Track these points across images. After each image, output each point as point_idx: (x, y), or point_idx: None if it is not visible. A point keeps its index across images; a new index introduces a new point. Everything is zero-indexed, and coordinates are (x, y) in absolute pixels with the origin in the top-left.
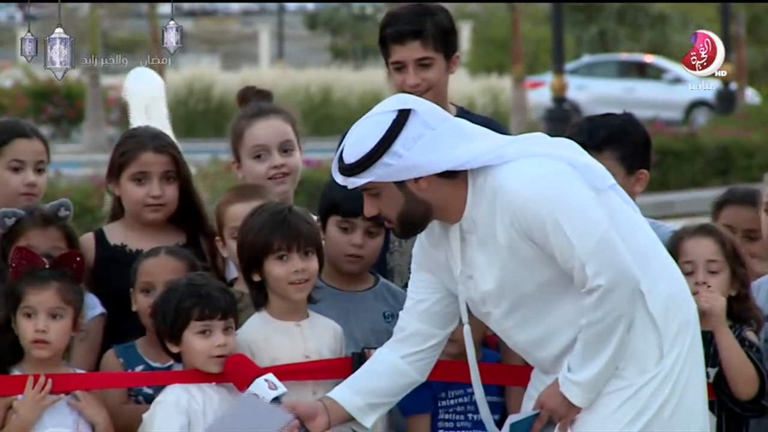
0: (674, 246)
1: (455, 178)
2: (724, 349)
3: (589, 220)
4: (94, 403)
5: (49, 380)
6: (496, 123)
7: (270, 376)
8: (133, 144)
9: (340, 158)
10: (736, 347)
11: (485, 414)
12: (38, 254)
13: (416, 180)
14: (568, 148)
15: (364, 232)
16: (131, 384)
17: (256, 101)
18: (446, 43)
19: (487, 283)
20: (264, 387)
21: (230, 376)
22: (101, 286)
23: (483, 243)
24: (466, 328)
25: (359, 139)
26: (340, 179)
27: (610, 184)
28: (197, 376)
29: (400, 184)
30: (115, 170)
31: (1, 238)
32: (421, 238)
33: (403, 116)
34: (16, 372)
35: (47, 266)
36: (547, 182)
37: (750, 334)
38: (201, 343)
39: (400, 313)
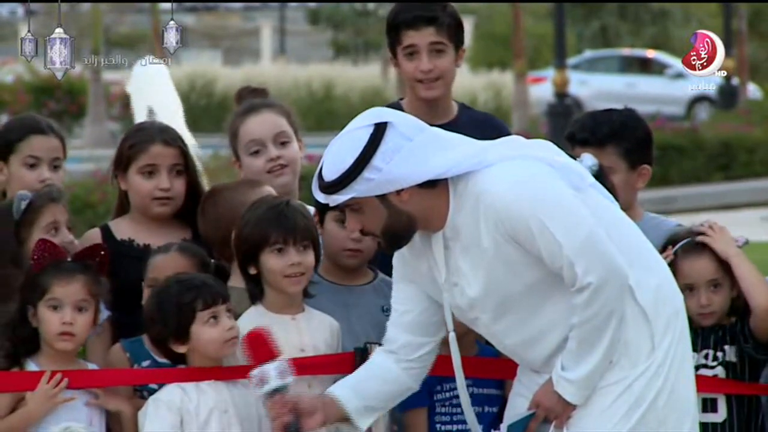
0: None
1: (436, 187)
2: (743, 275)
3: (574, 218)
4: (111, 394)
5: (65, 379)
6: (496, 119)
7: (282, 364)
8: (142, 136)
9: (320, 176)
10: (753, 268)
11: (471, 420)
12: (60, 246)
13: (398, 192)
14: (546, 149)
15: None
16: (141, 381)
17: (251, 99)
18: (457, 34)
19: (473, 289)
20: (271, 372)
21: (246, 349)
22: (109, 282)
23: (466, 249)
24: (452, 336)
25: (338, 156)
26: (321, 197)
27: (590, 182)
28: (204, 373)
29: (382, 198)
30: (122, 163)
31: (15, 224)
32: (402, 250)
33: (380, 130)
34: (31, 365)
35: (69, 258)
36: (529, 184)
37: None
38: (211, 331)
39: (388, 324)
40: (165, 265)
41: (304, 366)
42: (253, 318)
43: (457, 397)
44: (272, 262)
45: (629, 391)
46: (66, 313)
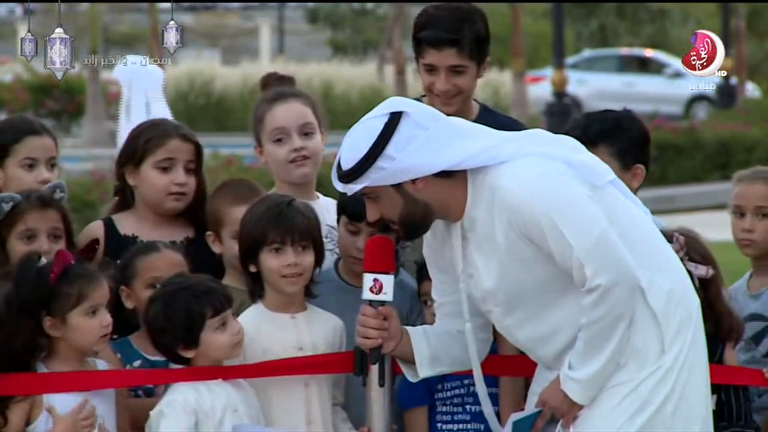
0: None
1: (453, 177)
2: None
3: (586, 219)
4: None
5: (94, 406)
6: (519, 124)
7: (383, 277)
8: (159, 131)
9: (338, 165)
10: None
11: (488, 411)
12: (69, 253)
13: (413, 181)
14: (565, 145)
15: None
16: (149, 382)
17: (277, 86)
18: (480, 51)
19: (486, 282)
20: (368, 284)
21: (370, 251)
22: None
23: (481, 241)
24: (468, 326)
25: (353, 146)
26: (339, 186)
27: (609, 179)
28: (210, 371)
29: (398, 187)
30: (137, 157)
31: None
32: (427, 238)
33: (394, 119)
34: (42, 368)
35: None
36: (542, 183)
37: None
38: (221, 337)
39: (436, 312)
40: (163, 263)
41: (302, 365)
42: (253, 316)
43: (459, 396)
44: (270, 261)
45: (636, 393)
46: (105, 315)
